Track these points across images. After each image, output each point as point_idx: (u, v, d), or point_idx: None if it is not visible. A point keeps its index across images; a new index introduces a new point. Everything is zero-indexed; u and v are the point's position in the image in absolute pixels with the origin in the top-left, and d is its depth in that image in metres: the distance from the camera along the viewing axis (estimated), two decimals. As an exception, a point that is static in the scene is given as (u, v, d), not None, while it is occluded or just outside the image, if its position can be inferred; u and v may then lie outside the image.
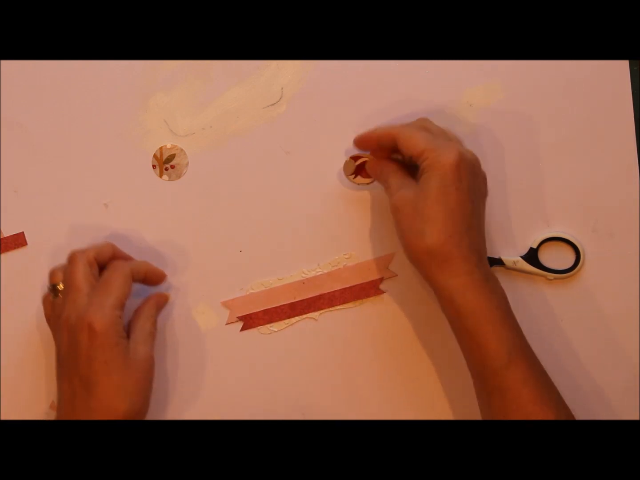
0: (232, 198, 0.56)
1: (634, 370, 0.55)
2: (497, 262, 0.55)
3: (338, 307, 0.56)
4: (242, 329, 0.56)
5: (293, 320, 0.56)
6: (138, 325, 0.52)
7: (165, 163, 0.56)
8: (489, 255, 0.55)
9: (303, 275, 0.56)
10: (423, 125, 0.51)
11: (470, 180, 0.47)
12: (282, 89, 0.57)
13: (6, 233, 0.56)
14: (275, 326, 0.56)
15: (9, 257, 0.56)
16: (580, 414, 0.55)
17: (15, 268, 0.56)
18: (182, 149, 0.57)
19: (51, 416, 0.56)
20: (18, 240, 0.56)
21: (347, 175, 0.55)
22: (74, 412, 0.48)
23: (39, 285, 0.56)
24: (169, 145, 0.57)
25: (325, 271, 0.56)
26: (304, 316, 0.56)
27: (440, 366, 0.55)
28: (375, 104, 0.56)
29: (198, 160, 0.57)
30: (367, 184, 0.55)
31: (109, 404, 0.47)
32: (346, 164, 0.55)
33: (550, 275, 0.55)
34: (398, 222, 0.49)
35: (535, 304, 0.55)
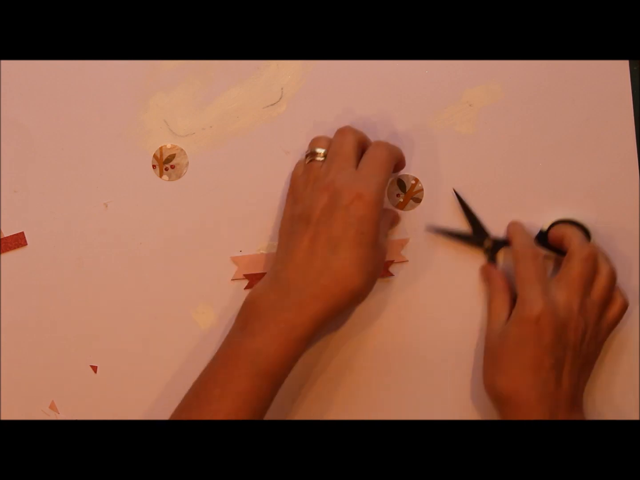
0: (232, 198, 0.56)
1: (634, 370, 0.55)
2: (505, 243, 0.55)
3: None
4: (246, 287, 0.56)
5: None
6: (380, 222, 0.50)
7: (165, 163, 0.56)
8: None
9: None
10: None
11: (554, 335, 0.49)
12: (282, 89, 0.57)
13: (6, 233, 0.56)
14: None
15: (9, 257, 0.56)
16: (580, 414, 0.55)
17: (15, 268, 0.56)
18: (182, 149, 0.57)
19: (51, 416, 0.56)
20: (18, 240, 0.56)
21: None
22: (309, 264, 0.47)
23: (39, 285, 0.56)
24: (169, 145, 0.57)
25: None
26: None
27: (439, 353, 0.56)
28: (375, 104, 0.56)
29: (198, 160, 0.57)
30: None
31: (348, 271, 0.47)
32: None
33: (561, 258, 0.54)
34: (485, 358, 0.53)
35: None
